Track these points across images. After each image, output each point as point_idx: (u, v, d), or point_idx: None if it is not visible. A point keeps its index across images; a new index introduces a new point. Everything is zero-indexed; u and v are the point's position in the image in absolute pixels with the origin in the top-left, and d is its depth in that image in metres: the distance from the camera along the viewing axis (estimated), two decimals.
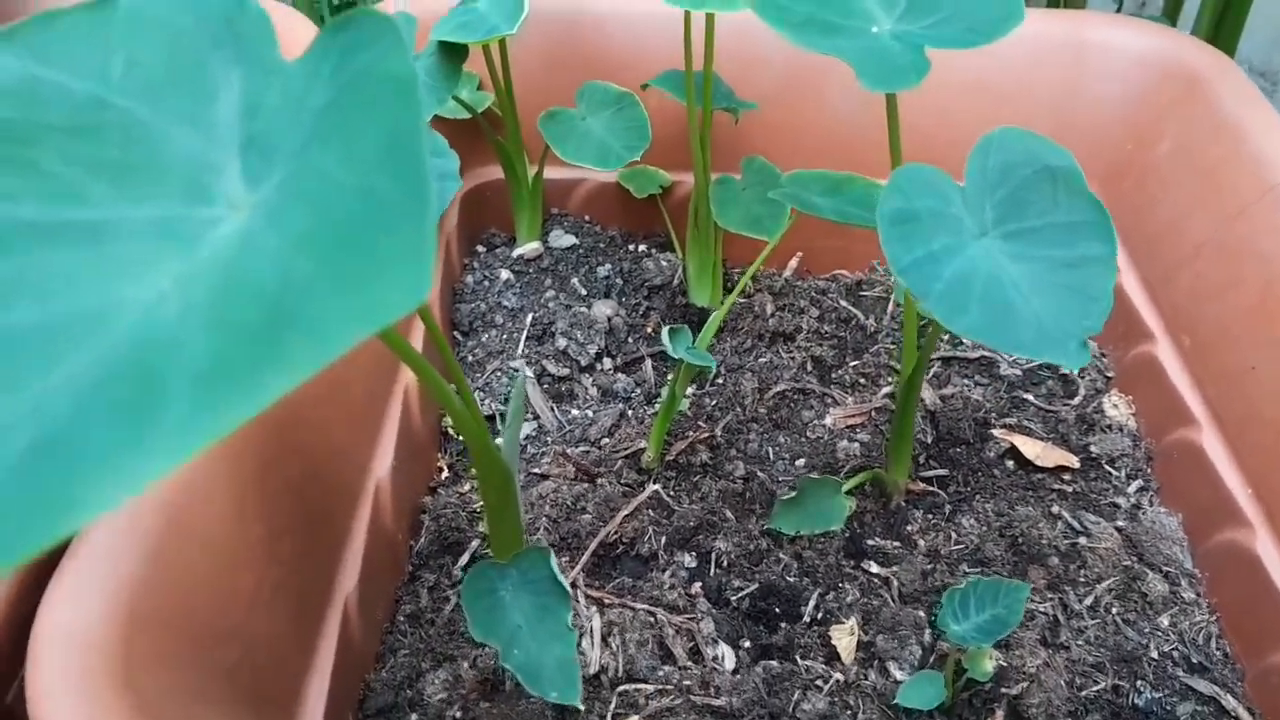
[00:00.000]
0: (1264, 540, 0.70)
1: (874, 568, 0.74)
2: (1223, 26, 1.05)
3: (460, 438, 0.84)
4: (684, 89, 0.79)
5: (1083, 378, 0.88)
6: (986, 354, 0.91)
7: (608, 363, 0.90)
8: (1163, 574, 0.74)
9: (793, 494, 0.72)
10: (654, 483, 0.79)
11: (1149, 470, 0.81)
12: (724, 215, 0.79)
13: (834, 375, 0.91)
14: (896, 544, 0.77)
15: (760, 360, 0.91)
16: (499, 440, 0.64)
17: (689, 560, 0.74)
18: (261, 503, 0.57)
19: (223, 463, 0.54)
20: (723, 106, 0.85)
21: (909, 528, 0.78)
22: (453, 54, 0.75)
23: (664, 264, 0.96)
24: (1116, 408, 0.85)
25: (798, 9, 0.51)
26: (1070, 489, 0.80)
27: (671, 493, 0.79)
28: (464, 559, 0.75)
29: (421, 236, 0.23)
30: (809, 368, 0.91)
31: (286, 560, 0.59)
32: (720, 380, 0.89)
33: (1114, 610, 0.72)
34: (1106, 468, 0.81)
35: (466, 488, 0.81)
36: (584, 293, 0.94)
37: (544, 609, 0.55)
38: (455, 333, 0.90)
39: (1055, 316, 0.45)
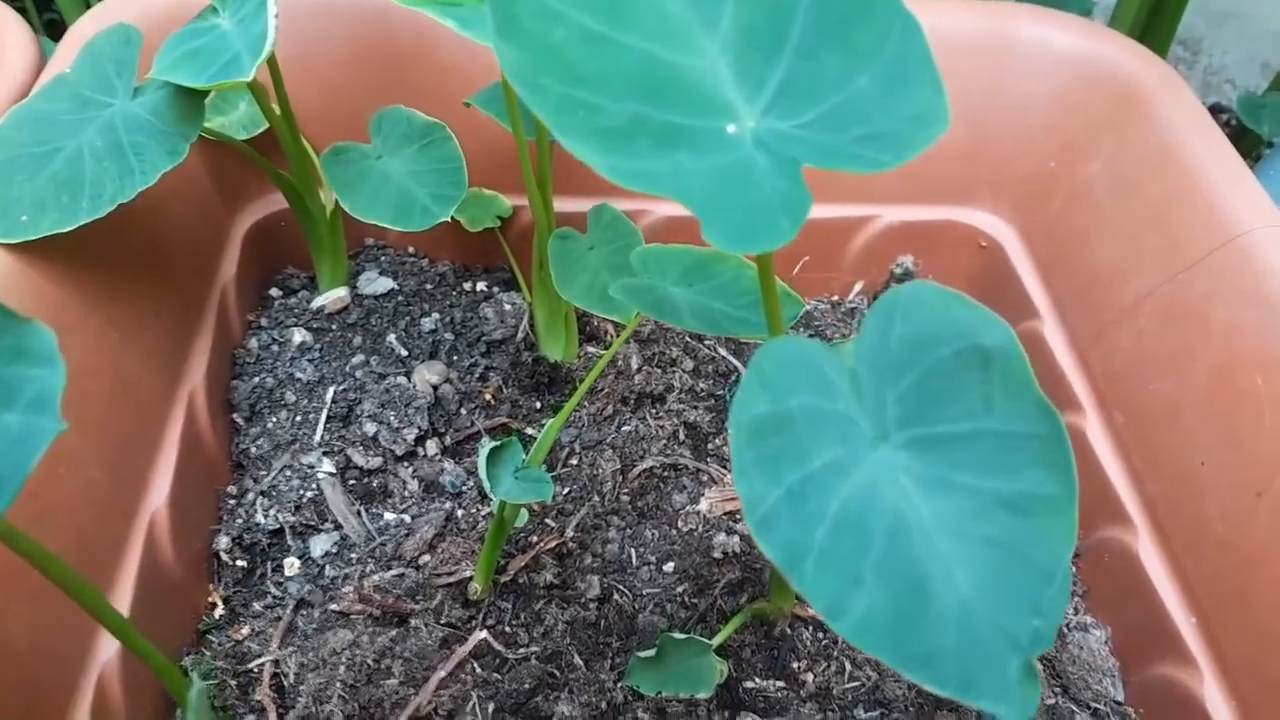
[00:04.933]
0: (1210, 685, 0.58)
1: None
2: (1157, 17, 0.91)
3: (239, 563, 0.66)
4: (507, 110, 0.61)
5: None
6: None
7: (433, 446, 0.73)
8: (1090, 712, 0.63)
9: (651, 652, 0.57)
10: (483, 623, 0.64)
11: (1074, 569, 0.69)
12: (566, 285, 0.61)
13: (710, 445, 0.76)
14: (780, 684, 0.63)
15: (624, 429, 0.75)
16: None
17: None
18: None
19: None
20: None
21: (795, 662, 0.64)
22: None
23: (507, 308, 0.79)
24: None
25: (614, 108, 0.33)
26: None
27: (506, 632, 0.64)
28: None
29: None
30: (681, 436, 0.76)
31: None
32: (575, 461, 0.73)
33: None
34: None
35: (245, 631, 0.64)
36: (403, 353, 0.76)
37: None
38: (233, 417, 0.71)
39: (990, 609, 0.30)
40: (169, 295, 0.67)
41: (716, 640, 0.58)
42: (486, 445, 0.56)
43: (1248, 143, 1.12)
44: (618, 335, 0.80)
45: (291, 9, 0.72)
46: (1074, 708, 0.63)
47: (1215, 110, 1.26)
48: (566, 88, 0.34)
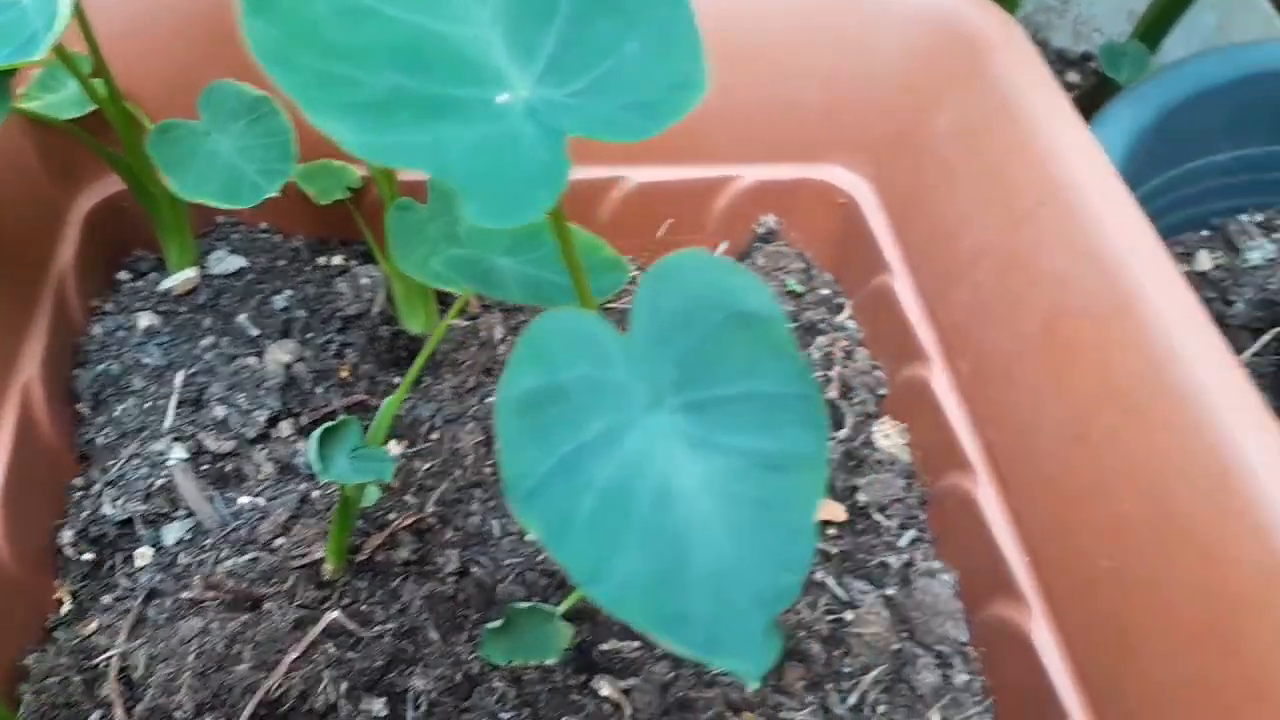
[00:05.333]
0: (1039, 621, 0.61)
1: (605, 689, 0.62)
2: None
3: (86, 556, 0.65)
4: None
5: (851, 400, 0.76)
6: None
7: (287, 426, 0.71)
8: (935, 655, 0.65)
9: (499, 623, 0.58)
10: (337, 603, 0.63)
11: (923, 518, 0.71)
12: (404, 258, 0.61)
13: None
14: (635, 645, 0.64)
15: (487, 401, 0.75)
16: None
17: (378, 708, 0.60)
18: None
19: None
20: None
21: None
22: None
23: (364, 282, 0.78)
24: (889, 437, 0.74)
25: (374, 82, 0.33)
26: (836, 549, 0.70)
27: (361, 610, 0.63)
28: None
29: None
30: None
31: None
32: (436, 435, 0.73)
33: (880, 709, 0.63)
34: (876, 517, 0.71)
35: (94, 626, 0.63)
36: (255, 333, 0.74)
37: None
38: (78, 407, 0.69)
39: (745, 568, 0.31)
40: None
41: (562, 607, 0.59)
42: (317, 432, 0.55)
43: (1111, 90, 1.15)
44: (480, 304, 0.80)
45: None
46: (919, 651, 0.65)
47: (1085, 58, 1.29)
48: (322, 63, 0.33)
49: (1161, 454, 0.54)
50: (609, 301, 0.82)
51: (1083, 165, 0.65)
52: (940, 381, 0.71)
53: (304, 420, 0.72)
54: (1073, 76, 1.25)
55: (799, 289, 0.83)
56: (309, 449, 0.53)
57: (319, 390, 0.74)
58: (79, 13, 0.59)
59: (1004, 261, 0.67)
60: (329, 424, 0.55)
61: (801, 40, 0.78)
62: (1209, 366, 0.54)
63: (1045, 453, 0.62)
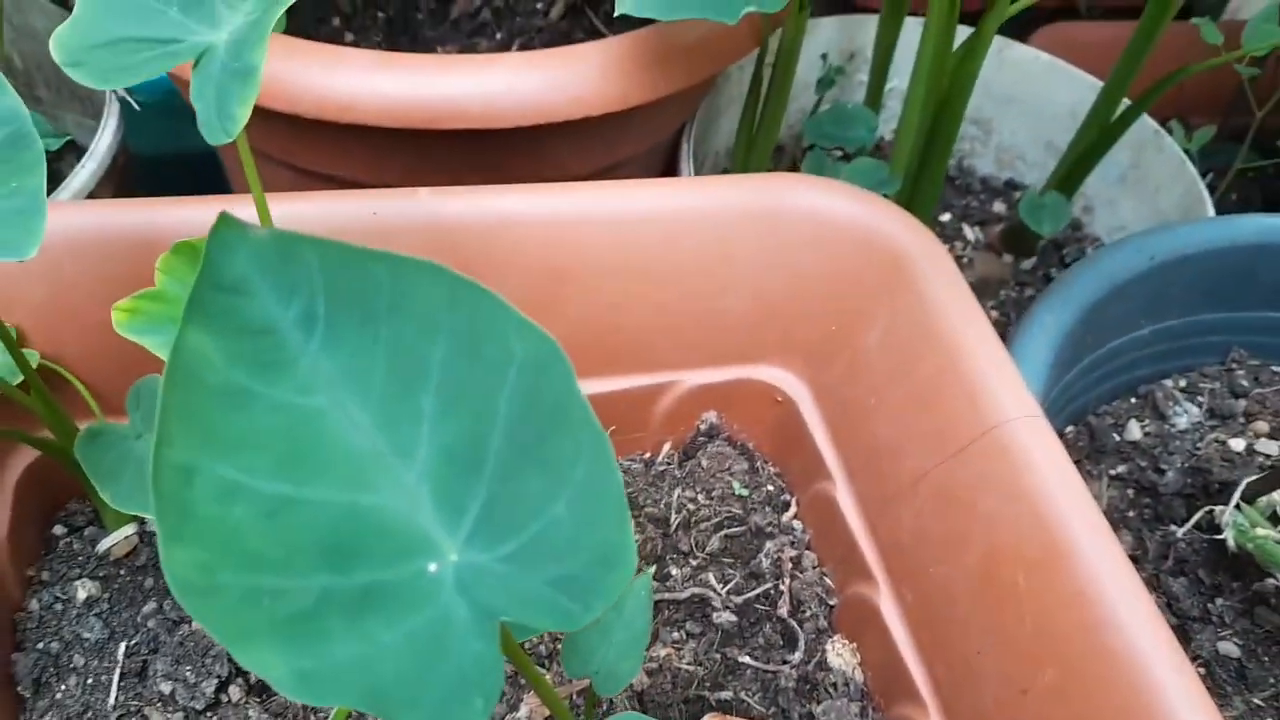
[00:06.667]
0: None
1: None
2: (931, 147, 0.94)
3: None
4: None
5: (802, 616, 0.77)
6: (698, 591, 0.78)
7: (237, 690, 0.70)
8: None
9: None
10: None
11: None
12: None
13: None
14: None
15: None
16: None
17: None
18: None
19: None
20: None
21: None
22: None
23: None
24: (840, 655, 0.75)
25: (302, 587, 0.33)
26: None
27: None
28: None
29: None
30: None
31: None
32: None
33: None
34: None
35: None
36: None
37: None
38: (19, 690, 0.68)
39: None
40: None
41: None
42: None
43: (1028, 240, 1.18)
44: None
45: (43, 250, 0.69)
46: None
47: (1009, 185, 1.32)
48: (247, 578, 0.33)
49: None
50: None
51: (1013, 402, 0.66)
52: (887, 605, 0.72)
53: (253, 679, 0.71)
54: (998, 206, 1.28)
55: (744, 492, 0.83)
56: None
57: None
58: None
59: (941, 493, 0.69)
60: None
61: (730, 255, 0.79)
62: (1146, 634, 0.56)
63: (993, 701, 0.63)
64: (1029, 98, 1.26)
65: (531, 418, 0.38)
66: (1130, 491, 0.89)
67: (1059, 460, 0.64)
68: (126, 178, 1.08)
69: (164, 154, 1.35)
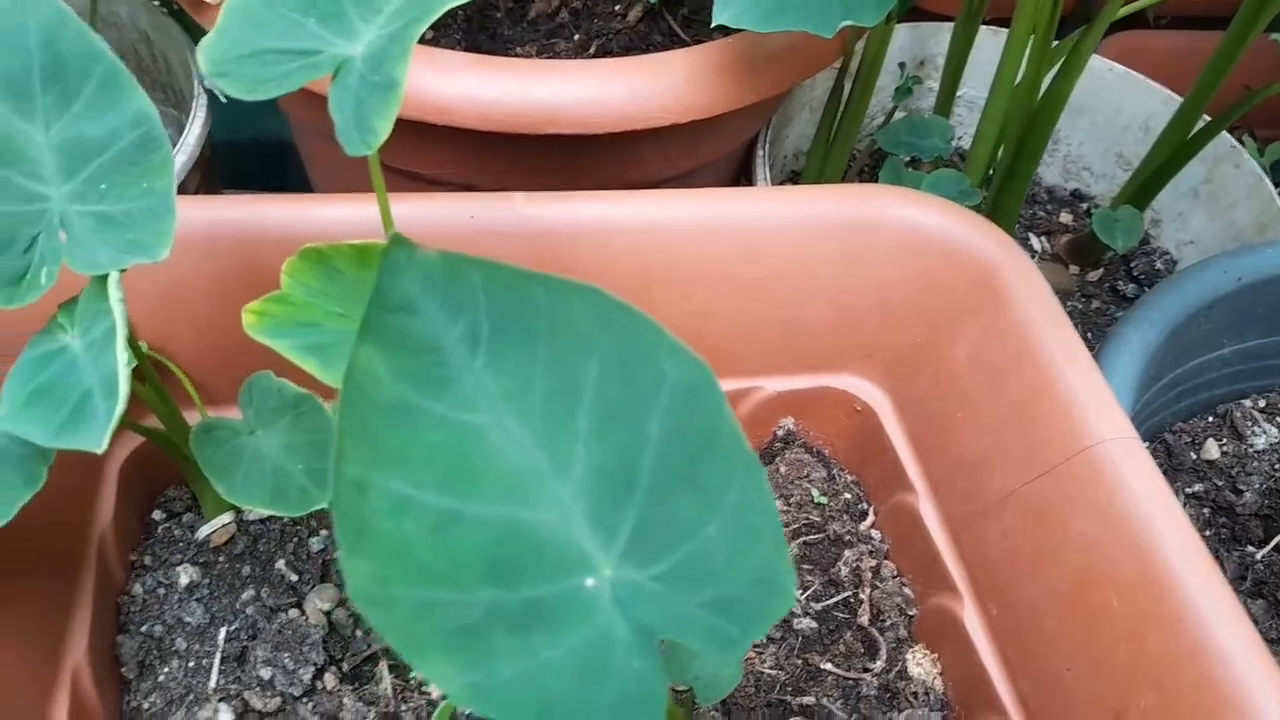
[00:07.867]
0: None
1: None
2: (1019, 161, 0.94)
3: None
4: None
5: (883, 625, 0.78)
6: None
7: (331, 678, 0.72)
8: None
9: None
10: None
11: None
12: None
13: None
14: None
15: None
16: None
17: None
18: None
19: None
20: None
21: None
22: None
23: None
24: (920, 665, 0.76)
25: (469, 600, 0.34)
26: None
27: None
28: None
29: None
30: None
31: None
32: None
33: None
34: None
35: None
36: (294, 579, 0.75)
37: None
38: (123, 671, 0.70)
39: None
40: (38, 568, 0.65)
41: None
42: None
43: (1094, 251, 1.18)
44: None
45: None
46: None
47: (1076, 195, 1.31)
48: (420, 591, 0.34)
49: None
50: None
51: (1106, 423, 0.67)
52: (971, 618, 0.73)
53: (345, 667, 0.73)
54: (1065, 216, 1.27)
55: (822, 500, 0.84)
56: None
57: (359, 633, 0.74)
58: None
59: (1031, 511, 0.69)
60: None
61: (814, 265, 0.80)
62: (1254, 666, 0.56)
63: (1081, 712, 0.64)
64: (1100, 109, 1.26)
65: (682, 441, 0.39)
66: (1206, 511, 0.89)
67: (1155, 482, 0.64)
68: (211, 167, 1.10)
69: (239, 140, 1.37)
